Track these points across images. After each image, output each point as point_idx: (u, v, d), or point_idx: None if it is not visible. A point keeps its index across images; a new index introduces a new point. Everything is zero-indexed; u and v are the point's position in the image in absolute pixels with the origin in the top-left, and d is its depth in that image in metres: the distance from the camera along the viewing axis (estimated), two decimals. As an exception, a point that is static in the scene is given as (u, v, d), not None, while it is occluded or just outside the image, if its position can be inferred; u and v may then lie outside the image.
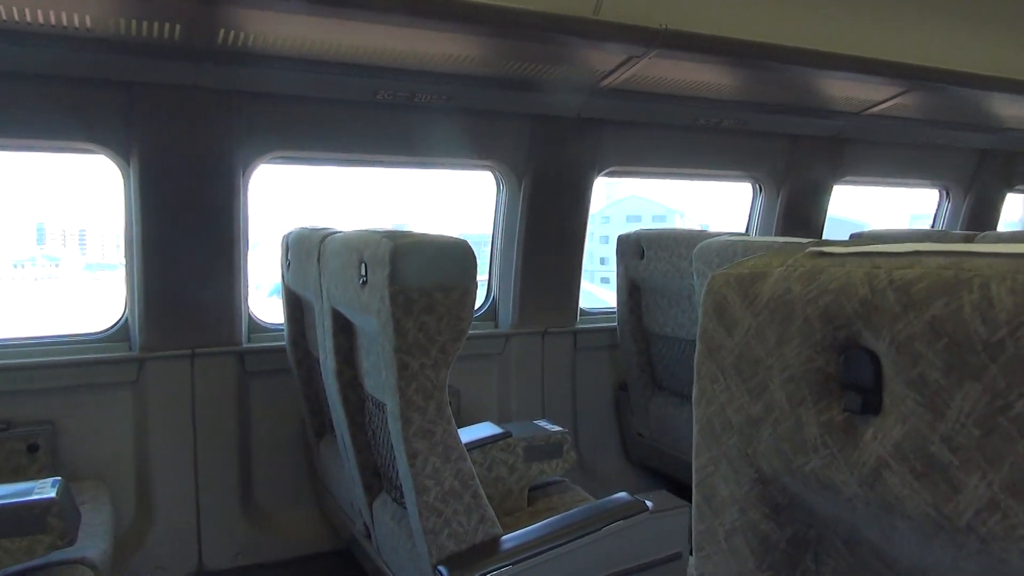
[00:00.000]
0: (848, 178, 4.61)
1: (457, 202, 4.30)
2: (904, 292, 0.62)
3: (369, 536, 2.61)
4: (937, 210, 5.34)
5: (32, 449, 2.90)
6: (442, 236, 1.96)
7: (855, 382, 0.68)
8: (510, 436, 2.85)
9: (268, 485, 3.39)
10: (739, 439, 0.82)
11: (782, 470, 0.77)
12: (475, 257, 1.95)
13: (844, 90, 3.63)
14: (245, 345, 3.30)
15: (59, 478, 2.31)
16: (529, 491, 2.92)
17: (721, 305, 0.84)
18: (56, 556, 2.28)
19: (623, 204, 6.98)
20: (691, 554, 2.29)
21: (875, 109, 3.94)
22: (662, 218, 6.72)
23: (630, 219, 6.90)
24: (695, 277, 3.16)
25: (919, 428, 0.61)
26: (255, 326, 3.40)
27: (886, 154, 4.65)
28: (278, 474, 3.40)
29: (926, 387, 0.60)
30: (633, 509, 2.13)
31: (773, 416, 0.77)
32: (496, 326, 3.88)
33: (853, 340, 0.68)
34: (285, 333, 3.16)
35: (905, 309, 0.61)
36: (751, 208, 4.53)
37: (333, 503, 3.08)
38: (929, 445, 0.61)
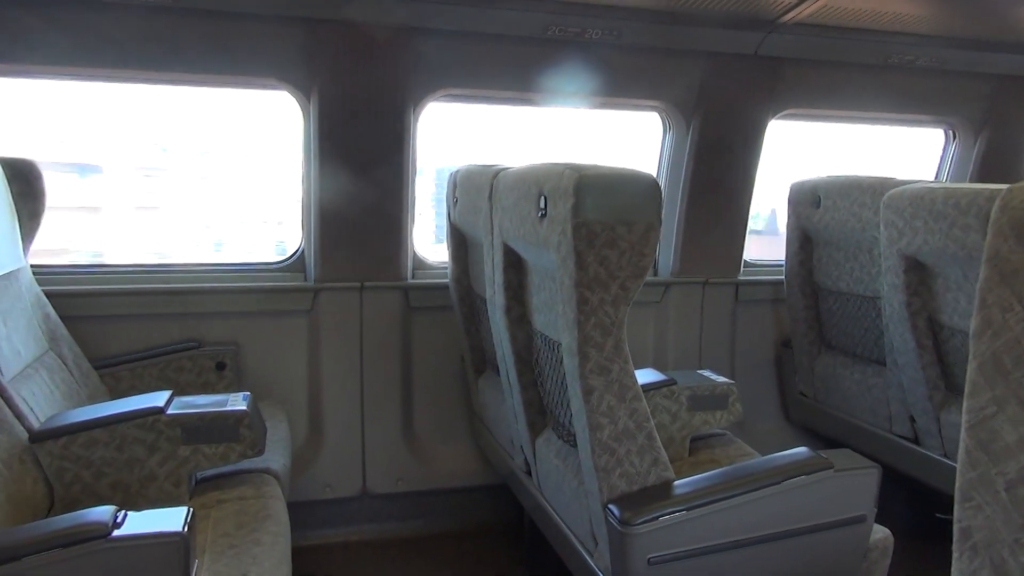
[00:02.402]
0: None
1: (614, 145, 4.18)
2: None
3: (529, 472, 2.63)
4: None
5: (220, 367, 3.13)
6: (627, 169, 1.88)
7: None
8: (674, 384, 2.78)
9: (427, 417, 3.50)
10: None
11: None
12: (661, 192, 1.87)
13: None
14: (410, 281, 3.39)
15: (248, 393, 2.47)
16: (690, 442, 2.84)
17: (1022, 222, 0.72)
18: (245, 464, 2.46)
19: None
20: (876, 520, 2.12)
21: (1102, 44, 3.46)
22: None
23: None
24: (882, 228, 2.92)
25: None
26: (419, 262, 3.48)
27: None
28: (437, 407, 3.51)
29: None
30: (816, 465, 2.00)
31: None
32: (656, 274, 3.77)
33: None
34: (449, 271, 3.21)
35: None
36: (942, 156, 4.13)
37: (490, 439, 3.13)
38: None
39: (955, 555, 0.83)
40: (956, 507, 0.83)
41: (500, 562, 3.23)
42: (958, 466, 0.82)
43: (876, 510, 2.09)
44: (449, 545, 3.36)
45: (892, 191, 2.88)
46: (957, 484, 0.82)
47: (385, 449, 3.41)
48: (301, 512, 3.20)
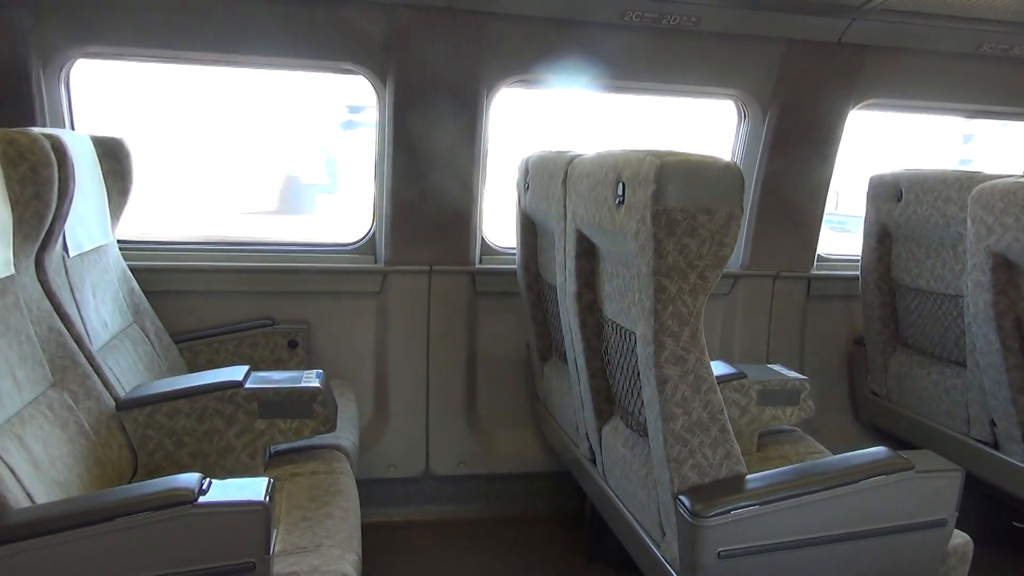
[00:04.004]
0: None
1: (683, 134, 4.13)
2: None
3: (594, 460, 2.62)
4: None
5: (292, 345, 3.20)
6: (709, 156, 1.85)
7: None
8: (744, 377, 2.73)
9: (490, 401, 3.53)
10: None
11: None
12: (743, 180, 1.83)
13: None
14: (477, 266, 3.41)
15: (321, 371, 2.52)
16: (758, 437, 2.79)
17: None
18: (317, 440, 2.52)
19: None
20: (956, 526, 2.06)
21: None
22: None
23: None
24: (969, 224, 2.81)
25: None
26: (487, 248, 3.49)
27: None
28: (500, 392, 3.53)
29: None
30: (896, 465, 1.95)
31: None
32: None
33: None
34: (517, 256, 3.21)
35: None
36: (1032, 151, 3.95)
37: (554, 426, 3.14)
38: None
39: None
40: None
41: (559, 549, 3.23)
42: None
43: (957, 514, 2.02)
44: (509, 529, 3.38)
45: (981, 186, 2.76)
46: None
47: (448, 432, 3.45)
48: (366, 489, 3.24)
